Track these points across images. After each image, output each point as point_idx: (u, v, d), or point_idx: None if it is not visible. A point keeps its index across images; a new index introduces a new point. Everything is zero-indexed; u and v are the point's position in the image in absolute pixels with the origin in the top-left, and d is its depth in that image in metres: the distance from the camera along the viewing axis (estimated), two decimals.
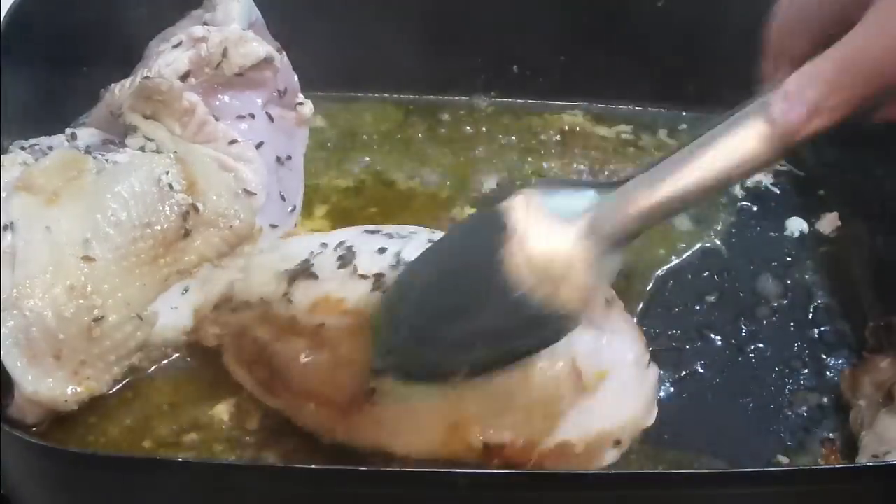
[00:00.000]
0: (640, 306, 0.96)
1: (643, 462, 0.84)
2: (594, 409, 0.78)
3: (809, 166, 1.10)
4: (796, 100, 0.67)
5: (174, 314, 0.87)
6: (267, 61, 0.95)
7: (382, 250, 0.82)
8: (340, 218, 1.01)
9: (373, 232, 0.86)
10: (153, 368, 0.87)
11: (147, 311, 0.84)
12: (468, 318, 0.74)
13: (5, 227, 0.81)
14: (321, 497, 0.72)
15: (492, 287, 0.71)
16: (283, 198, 0.96)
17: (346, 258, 0.82)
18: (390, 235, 0.85)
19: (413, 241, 0.83)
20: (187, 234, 0.86)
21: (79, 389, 0.81)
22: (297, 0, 1.07)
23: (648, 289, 0.98)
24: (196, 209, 0.86)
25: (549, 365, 0.77)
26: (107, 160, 0.87)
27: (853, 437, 0.86)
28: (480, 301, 0.73)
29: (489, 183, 1.07)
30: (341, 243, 0.84)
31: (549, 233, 0.72)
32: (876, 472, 0.76)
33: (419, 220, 1.02)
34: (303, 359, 0.78)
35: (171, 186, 0.86)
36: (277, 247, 0.88)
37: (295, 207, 0.98)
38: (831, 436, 0.88)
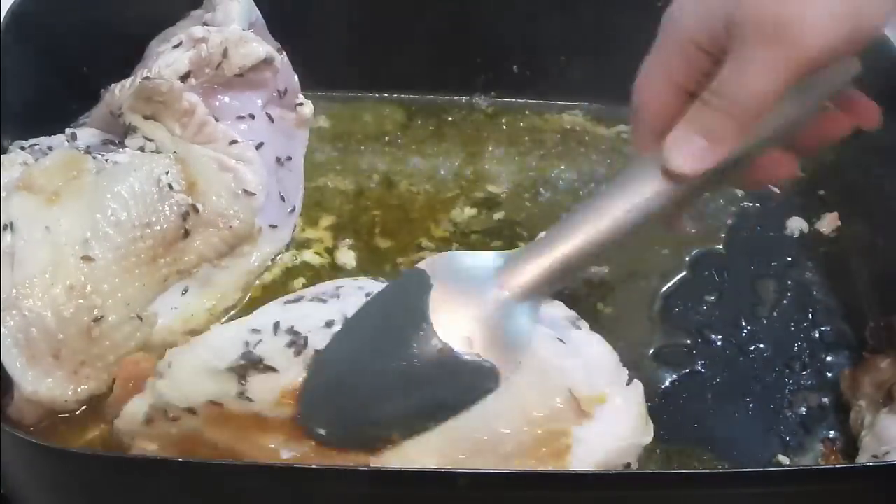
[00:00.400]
0: (644, 305, 0.96)
1: (643, 462, 0.84)
2: (596, 438, 0.76)
3: (809, 166, 1.10)
4: (686, 148, 0.74)
5: (173, 315, 0.87)
6: (267, 62, 0.95)
7: (329, 323, 0.77)
8: (345, 228, 1.01)
9: (296, 301, 0.81)
10: None
11: (147, 312, 0.85)
12: (395, 377, 0.75)
13: (5, 227, 0.81)
14: (321, 497, 0.72)
15: (417, 342, 0.74)
16: (282, 198, 0.96)
17: (297, 343, 0.76)
18: (322, 300, 0.80)
19: (350, 300, 0.80)
20: (187, 234, 0.86)
21: (78, 389, 0.81)
22: (297, 0, 1.07)
23: (649, 290, 0.98)
24: (196, 209, 0.87)
25: (546, 398, 0.75)
26: (107, 160, 0.87)
27: (853, 437, 0.86)
28: (407, 357, 0.75)
29: (490, 183, 1.07)
30: (276, 325, 0.77)
31: (464, 289, 0.76)
32: (876, 473, 0.75)
33: (421, 222, 1.02)
34: (284, 455, 0.74)
35: (170, 187, 0.86)
36: (198, 343, 0.78)
37: (295, 208, 0.98)
38: (831, 436, 0.88)
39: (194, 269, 0.88)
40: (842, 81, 0.77)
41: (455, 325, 0.75)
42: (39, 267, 0.80)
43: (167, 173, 0.86)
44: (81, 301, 0.81)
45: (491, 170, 1.08)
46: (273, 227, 0.94)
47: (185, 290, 0.87)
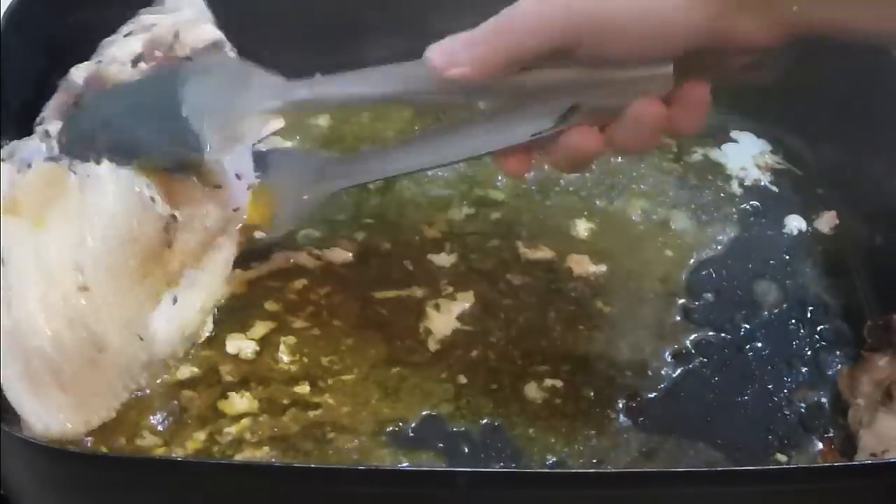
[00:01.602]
0: (643, 305, 0.96)
1: (643, 461, 0.84)
2: None
3: (808, 165, 1.10)
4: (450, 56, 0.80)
5: (170, 326, 0.86)
6: (217, 45, 0.94)
7: None
8: (340, 228, 1.01)
9: None
10: None
11: (147, 331, 0.84)
12: None
13: None
14: (321, 497, 0.72)
15: None
16: (238, 177, 0.94)
17: None
18: None
19: None
20: (170, 243, 0.86)
21: (90, 421, 0.80)
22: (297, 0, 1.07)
23: (649, 290, 0.98)
24: (175, 218, 0.86)
25: None
26: (88, 175, 0.84)
27: (852, 435, 0.86)
28: None
29: (488, 183, 1.07)
30: None
31: None
32: (875, 471, 0.76)
33: (418, 222, 1.02)
34: None
35: (152, 199, 0.85)
36: None
37: (250, 185, 0.96)
38: (830, 434, 0.88)
39: (179, 276, 0.87)
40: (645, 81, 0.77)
41: None
42: (36, 301, 0.79)
43: (148, 186, 0.85)
44: (83, 334, 0.80)
45: (489, 170, 1.08)
46: (236, 210, 0.93)
47: (175, 300, 0.87)
